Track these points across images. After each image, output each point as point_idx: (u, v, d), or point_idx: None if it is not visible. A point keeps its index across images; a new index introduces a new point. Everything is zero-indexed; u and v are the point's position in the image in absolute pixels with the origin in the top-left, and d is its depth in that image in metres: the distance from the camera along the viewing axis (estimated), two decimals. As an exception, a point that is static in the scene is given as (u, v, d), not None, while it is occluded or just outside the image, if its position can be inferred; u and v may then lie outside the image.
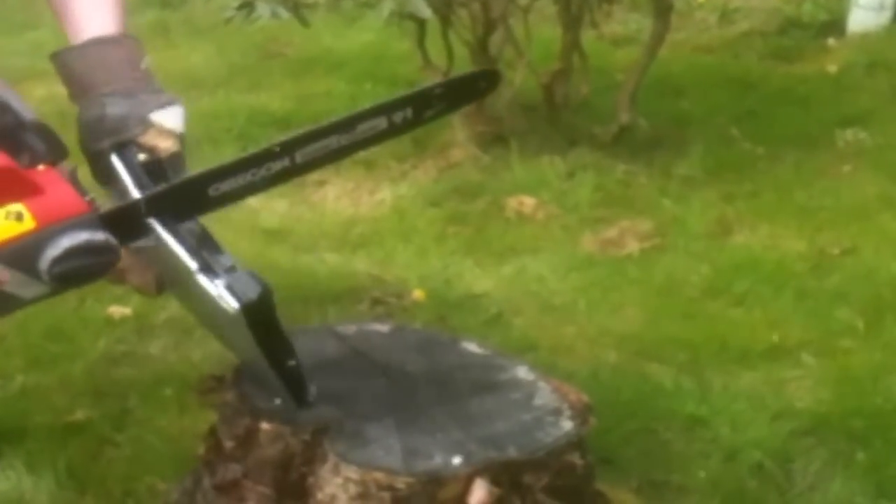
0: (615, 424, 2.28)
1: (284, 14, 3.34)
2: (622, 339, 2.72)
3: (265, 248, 3.29)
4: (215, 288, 1.59)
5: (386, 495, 1.61)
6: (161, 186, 1.67)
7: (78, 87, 1.73)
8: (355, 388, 1.81)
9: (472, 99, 1.93)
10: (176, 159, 1.72)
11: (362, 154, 3.83)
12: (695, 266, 3.08)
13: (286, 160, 1.68)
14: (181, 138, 1.73)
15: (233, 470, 1.73)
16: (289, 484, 1.68)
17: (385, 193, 3.65)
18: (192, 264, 1.61)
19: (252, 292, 1.59)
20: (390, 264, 3.12)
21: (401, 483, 1.61)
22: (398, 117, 1.75)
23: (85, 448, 2.32)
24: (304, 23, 3.44)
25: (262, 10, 3.29)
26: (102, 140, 1.69)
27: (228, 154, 3.96)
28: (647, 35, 3.91)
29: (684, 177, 3.61)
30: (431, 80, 3.88)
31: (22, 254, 1.52)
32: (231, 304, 1.58)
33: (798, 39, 4.87)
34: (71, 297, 2.87)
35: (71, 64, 1.73)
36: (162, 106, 1.71)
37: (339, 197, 3.67)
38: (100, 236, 1.55)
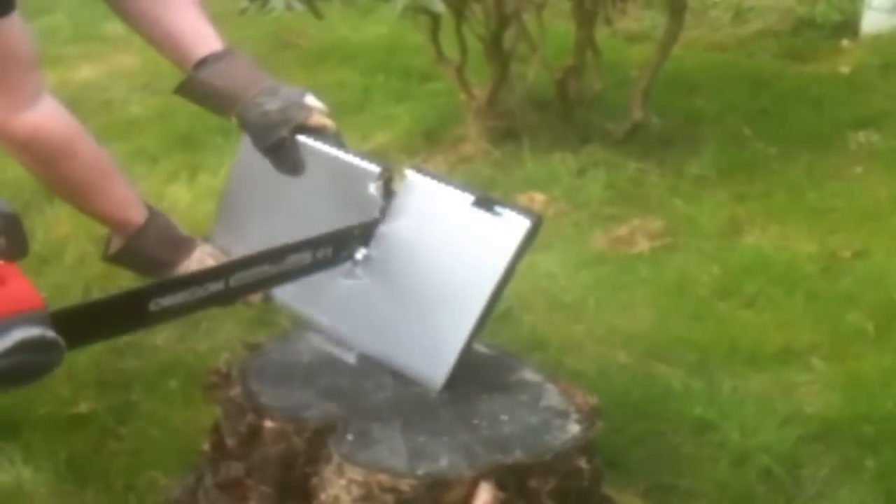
0: (623, 426, 2.27)
1: (298, 6, 3.32)
2: (631, 338, 2.70)
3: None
4: (497, 213, 1.74)
5: (390, 497, 1.59)
6: (99, 299, 1.73)
7: (225, 101, 1.85)
8: (361, 388, 1.79)
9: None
10: (341, 133, 1.88)
11: (373, 146, 3.86)
12: (705, 266, 3.06)
13: (221, 283, 1.72)
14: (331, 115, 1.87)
15: (235, 468, 1.72)
16: (292, 483, 1.67)
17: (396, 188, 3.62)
18: (470, 196, 1.77)
19: (536, 216, 1.74)
20: (399, 259, 3.10)
21: (405, 485, 1.59)
22: (321, 254, 1.83)
23: (87, 440, 2.31)
24: (318, 15, 3.42)
25: (277, 1, 3.28)
26: (279, 131, 1.82)
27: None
28: (660, 32, 3.88)
29: (696, 176, 3.59)
30: (446, 74, 3.89)
31: None
32: (524, 219, 1.72)
33: (811, 40, 4.85)
34: (76, 287, 2.87)
35: (212, 81, 1.85)
36: (304, 94, 1.86)
37: (349, 189, 3.65)
38: (51, 333, 1.53)
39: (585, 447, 1.73)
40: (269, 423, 1.69)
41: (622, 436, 2.26)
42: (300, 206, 1.89)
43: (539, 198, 3.48)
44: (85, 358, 2.57)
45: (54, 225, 3.13)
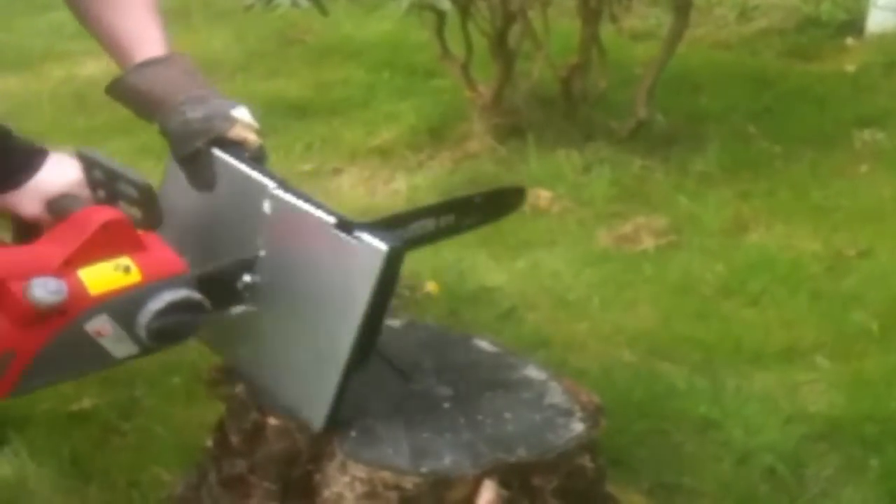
0: (627, 425, 2.27)
1: (304, 2, 3.32)
2: (635, 337, 2.70)
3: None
4: (355, 239, 1.59)
5: (393, 495, 1.59)
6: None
7: (149, 104, 1.76)
8: (364, 386, 1.78)
9: (505, 212, 1.99)
10: (263, 150, 1.77)
11: (378, 143, 3.86)
12: (709, 264, 3.06)
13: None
14: (260, 132, 1.77)
15: (238, 465, 1.71)
16: (295, 481, 1.67)
17: (400, 183, 3.63)
18: (330, 218, 1.62)
19: (397, 240, 1.59)
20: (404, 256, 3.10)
21: (408, 483, 1.59)
22: (443, 221, 1.81)
23: (90, 436, 2.31)
24: (324, 11, 3.42)
25: (283, -2, 3.28)
26: (195, 140, 1.73)
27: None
28: (665, 30, 3.88)
29: (700, 173, 3.59)
30: (451, 71, 3.89)
31: (126, 305, 1.56)
32: (380, 246, 1.56)
33: (816, 38, 4.84)
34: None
35: (137, 84, 1.77)
36: (234, 106, 1.76)
37: (354, 185, 3.66)
38: (197, 295, 1.60)
39: (589, 445, 1.72)
40: (272, 421, 1.69)
41: (626, 434, 2.26)
42: (208, 222, 1.79)
43: (544, 195, 3.47)
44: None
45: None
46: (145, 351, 1.61)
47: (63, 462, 2.22)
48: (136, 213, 1.63)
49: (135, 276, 1.56)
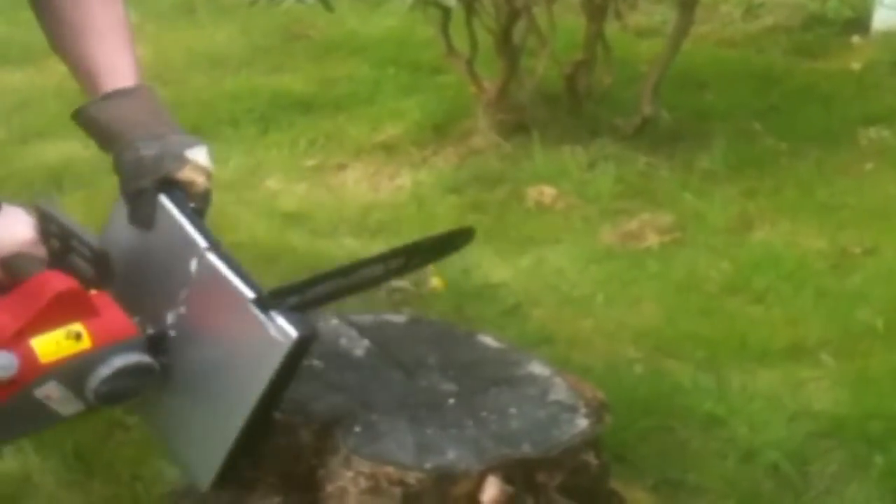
0: (631, 421, 2.27)
1: (309, -2, 3.32)
2: (640, 334, 2.70)
3: (283, 231, 3.28)
4: (269, 318, 1.57)
5: (397, 490, 1.58)
6: None
7: (107, 137, 1.73)
8: (369, 381, 1.78)
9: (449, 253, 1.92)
10: (208, 195, 1.74)
11: (382, 138, 3.86)
12: (715, 261, 3.05)
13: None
14: (211, 176, 1.75)
15: (242, 459, 1.71)
16: (298, 475, 1.66)
17: (405, 179, 3.63)
18: (248, 293, 1.59)
19: (308, 329, 1.57)
20: (408, 251, 3.10)
21: (412, 478, 1.58)
22: (392, 265, 1.76)
23: (94, 431, 2.31)
24: (329, 7, 3.42)
25: (288, -7, 3.28)
26: (143, 178, 1.70)
27: (249, 134, 3.96)
28: (671, 27, 3.87)
29: (706, 171, 3.58)
30: (456, 67, 3.88)
31: (75, 371, 1.56)
32: (290, 332, 1.55)
33: (822, 36, 4.82)
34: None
35: (97, 116, 1.74)
36: (191, 145, 1.73)
37: (358, 181, 3.66)
38: (147, 358, 1.61)
39: (593, 442, 1.72)
40: (276, 415, 1.68)
41: (630, 431, 2.25)
42: (142, 263, 1.75)
43: (548, 191, 3.47)
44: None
45: (68, 213, 3.13)
46: (92, 409, 1.62)
47: (67, 456, 2.22)
48: (87, 270, 1.62)
49: (85, 343, 1.56)
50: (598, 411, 1.76)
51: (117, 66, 1.78)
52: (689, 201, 3.40)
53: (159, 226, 1.72)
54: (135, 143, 1.70)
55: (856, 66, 4.51)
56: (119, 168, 1.71)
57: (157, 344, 1.64)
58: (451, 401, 1.75)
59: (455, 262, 3.02)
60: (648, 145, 3.70)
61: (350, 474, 1.60)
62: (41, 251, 1.65)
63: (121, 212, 1.77)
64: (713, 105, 4.05)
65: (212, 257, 1.65)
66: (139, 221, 1.73)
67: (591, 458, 1.71)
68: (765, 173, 3.58)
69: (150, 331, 1.64)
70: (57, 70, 4.66)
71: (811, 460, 2.26)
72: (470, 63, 3.82)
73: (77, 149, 3.77)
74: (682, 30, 3.72)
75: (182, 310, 1.67)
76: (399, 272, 1.79)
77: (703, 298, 2.88)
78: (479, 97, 3.85)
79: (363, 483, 1.60)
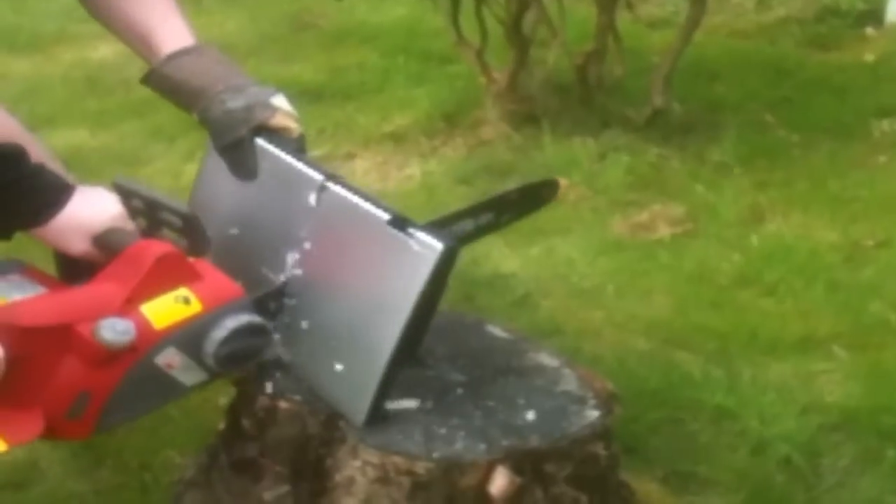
0: (641, 413, 2.26)
1: (318, -14, 3.30)
2: (650, 325, 2.68)
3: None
4: (410, 235, 1.57)
5: (405, 480, 1.57)
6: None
7: (187, 94, 1.77)
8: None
9: (540, 205, 1.99)
10: (303, 139, 1.77)
11: (392, 128, 3.84)
12: (726, 253, 3.03)
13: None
14: (299, 120, 1.78)
15: (250, 448, 1.70)
16: (306, 464, 1.65)
17: (414, 169, 3.61)
18: (383, 214, 1.60)
19: (452, 239, 1.58)
20: (417, 241, 3.08)
21: (420, 468, 1.57)
22: (482, 219, 1.80)
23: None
24: (338, -5, 3.41)
25: (296, -19, 3.26)
26: (238, 130, 1.74)
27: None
28: (682, 18, 3.84)
29: (717, 162, 3.56)
30: (466, 57, 3.86)
31: (191, 336, 1.58)
32: (435, 244, 1.55)
33: (835, 27, 4.79)
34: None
35: (172, 75, 1.78)
36: (273, 94, 1.77)
37: (367, 171, 3.64)
38: (258, 318, 1.62)
39: (603, 433, 1.71)
40: (283, 405, 1.67)
41: (640, 423, 2.24)
42: (250, 214, 1.79)
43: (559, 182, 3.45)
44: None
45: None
46: (214, 376, 1.63)
47: (75, 444, 2.21)
48: (181, 241, 1.63)
49: (195, 307, 1.58)
50: (607, 402, 1.75)
51: (174, 28, 1.81)
52: (701, 193, 3.38)
53: (263, 172, 1.74)
54: (219, 96, 1.74)
55: (869, 57, 4.47)
56: (208, 123, 1.75)
57: (266, 304, 1.66)
58: (460, 390, 1.74)
59: (463, 251, 3.01)
60: (660, 136, 3.68)
61: (358, 464, 1.59)
62: (130, 225, 1.66)
63: (213, 170, 1.80)
64: (725, 96, 4.02)
65: (334, 187, 1.66)
66: (243, 173, 1.75)
67: (600, 450, 1.70)
68: (777, 165, 3.56)
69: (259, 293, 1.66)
70: (64, 58, 4.67)
71: (823, 453, 2.25)
72: (480, 53, 3.80)
73: (84, 137, 3.77)
74: (695, 20, 3.70)
75: (307, 246, 1.68)
76: (489, 228, 1.81)
77: (714, 290, 2.86)
78: (489, 87, 3.83)
79: (371, 473, 1.59)
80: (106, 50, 4.40)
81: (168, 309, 1.55)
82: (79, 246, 1.65)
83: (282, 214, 1.72)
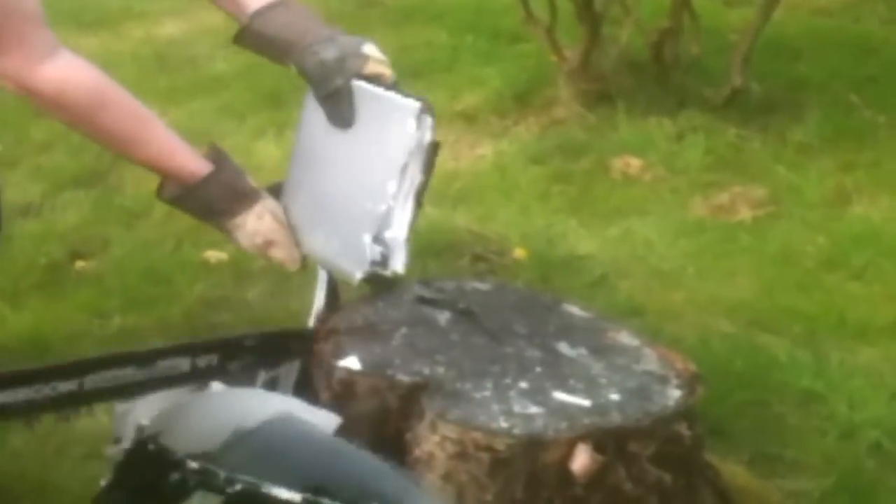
0: (726, 395, 2.20)
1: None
2: (734, 307, 2.62)
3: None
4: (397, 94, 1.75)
5: (485, 456, 1.52)
6: None
7: (280, 47, 1.84)
8: (455, 346, 1.73)
9: (283, 359, 1.82)
10: (397, 85, 1.82)
11: (462, 107, 3.78)
12: (811, 236, 2.95)
13: (73, 383, 1.56)
14: (390, 66, 1.83)
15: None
16: (386, 438, 1.61)
17: (486, 149, 3.56)
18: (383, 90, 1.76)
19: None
20: (491, 221, 3.04)
21: (501, 444, 1.52)
22: (202, 362, 1.70)
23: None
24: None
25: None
26: (335, 80, 1.80)
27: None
28: (762, -4, 3.74)
29: (800, 143, 3.47)
30: (535, 35, 3.80)
31: None
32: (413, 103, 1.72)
33: (922, 4, 4.65)
34: (167, 241, 2.86)
35: (263, 30, 1.84)
36: (363, 42, 1.82)
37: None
38: None
39: (686, 413, 1.65)
40: (361, 379, 1.63)
41: (725, 404, 2.18)
42: (349, 155, 1.84)
43: (635, 163, 3.38)
44: (178, 310, 2.59)
45: (144, 180, 3.10)
46: None
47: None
48: None
49: None
50: (690, 383, 1.70)
51: None
52: (783, 174, 3.29)
53: (361, 115, 1.80)
54: (311, 47, 1.80)
55: (958, 35, 4.34)
56: (306, 73, 1.82)
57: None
58: (539, 368, 1.69)
59: (540, 233, 2.97)
60: (739, 117, 3.59)
61: (437, 439, 1.55)
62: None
63: (312, 117, 1.87)
64: (807, 76, 3.91)
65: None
66: (340, 120, 1.82)
67: (683, 430, 1.65)
68: (863, 146, 3.46)
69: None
70: (131, 35, 4.66)
71: (915, 440, 2.17)
72: (550, 31, 3.72)
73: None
74: (774, -2, 3.60)
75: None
76: (209, 373, 1.70)
77: (800, 273, 2.79)
78: (561, 66, 3.76)
79: (450, 448, 1.54)
80: (172, 27, 4.39)
81: None
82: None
83: (382, 148, 1.78)
